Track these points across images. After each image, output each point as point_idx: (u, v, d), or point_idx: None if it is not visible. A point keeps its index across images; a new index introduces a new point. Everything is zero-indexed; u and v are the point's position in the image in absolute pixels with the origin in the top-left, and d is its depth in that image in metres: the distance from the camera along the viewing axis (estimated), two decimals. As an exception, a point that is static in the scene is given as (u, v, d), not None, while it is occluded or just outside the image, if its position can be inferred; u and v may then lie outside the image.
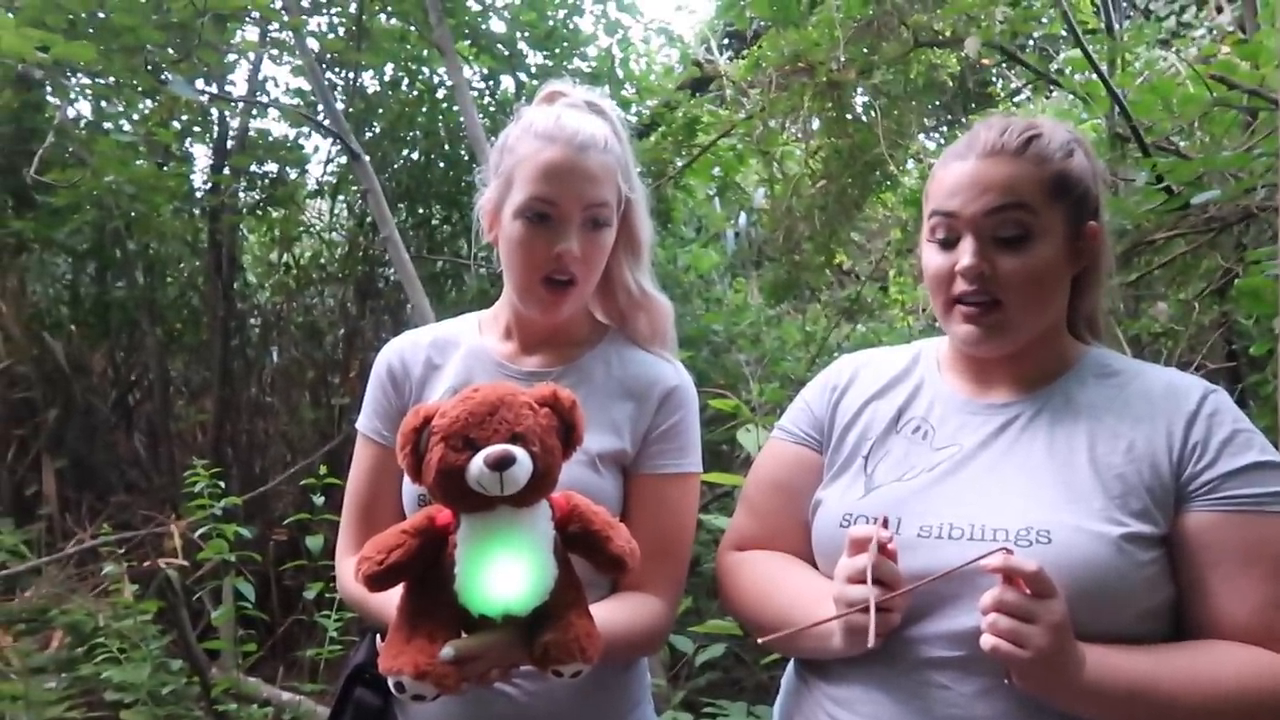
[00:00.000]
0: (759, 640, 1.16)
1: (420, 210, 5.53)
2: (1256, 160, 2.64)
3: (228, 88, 4.78)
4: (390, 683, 1.06)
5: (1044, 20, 4.35)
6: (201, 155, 5.47)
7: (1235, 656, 1.06)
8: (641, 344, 1.44)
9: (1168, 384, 1.19)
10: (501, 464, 1.04)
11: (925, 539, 1.13)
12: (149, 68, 3.76)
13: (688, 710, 2.83)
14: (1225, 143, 3.02)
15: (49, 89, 4.16)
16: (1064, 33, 4.39)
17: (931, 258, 1.22)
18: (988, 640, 1.00)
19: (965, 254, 1.17)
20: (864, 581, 1.07)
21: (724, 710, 2.74)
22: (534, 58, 5.24)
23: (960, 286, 1.18)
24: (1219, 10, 4.85)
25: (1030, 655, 0.99)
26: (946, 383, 1.29)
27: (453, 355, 1.45)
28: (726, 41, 6.36)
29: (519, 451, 1.06)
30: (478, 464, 1.05)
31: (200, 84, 4.03)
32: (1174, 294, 3.33)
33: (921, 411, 1.27)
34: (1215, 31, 4.67)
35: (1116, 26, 4.09)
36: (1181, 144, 3.28)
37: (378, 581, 1.09)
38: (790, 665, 1.34)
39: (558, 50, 5.16)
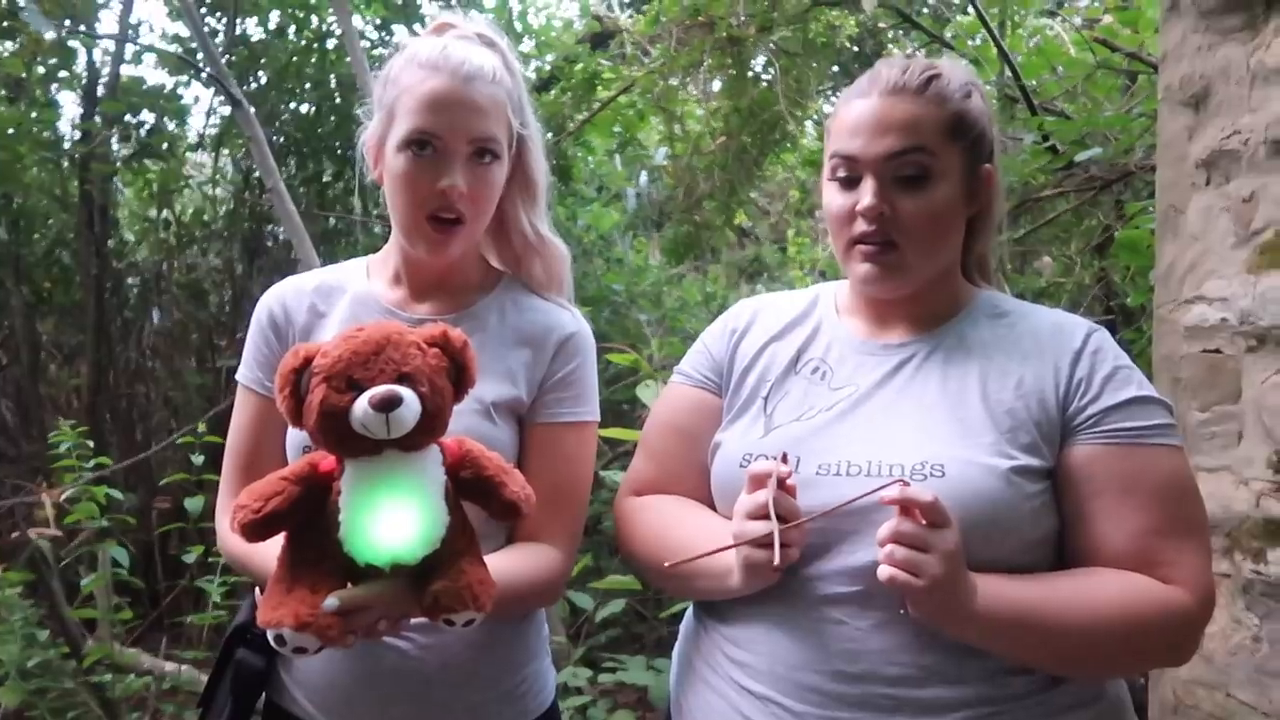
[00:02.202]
0: (665, 565, 1.14)
1: (310, 165, 5.31)
2: (1135, 121, 2.75)
3: (97, 29, 4.48)
4: (270, 636, 1.00)
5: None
6: (69, 103, 5.13)
7: (1115, 582, 1.09)
8: (537, 290, 1.40)
9: (1054, 323, 1.22)
10: (387, 405, 0.99)
11: (824, 476, 1.14)
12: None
13: (588, 666, 2.83)
14: (1107, 105, 3.14)
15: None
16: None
17: (832, 198, 1.22)
18: (884, 570, 1.01)
19: (865, 194, 1.17)
20: (763, 517, 1.06)
21: (624, 665, 2.76)
22: (429, 7, 5.08)
23: (860, 227, 1.19)
24: (1102, -20, 5.02)
25: (925, 584, 0.99)
26: (844, 324, 1.29)
27: (339, 301, 1.38)
28: (628, -1, 6.28)
29: (406, 392, 1.01)
30: (362, 405, 0.99)
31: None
32: (1057, 251, 3.46)
33: (820, 352, 1.27)
34: (1099, 1, 4.84)
35: (1007, -8, 4.18)
36: (1067, 107, 3.39)
37: (254, 531, 1.03)
38: (689, 610, 1.34)
39: (453, 1, 5.00)
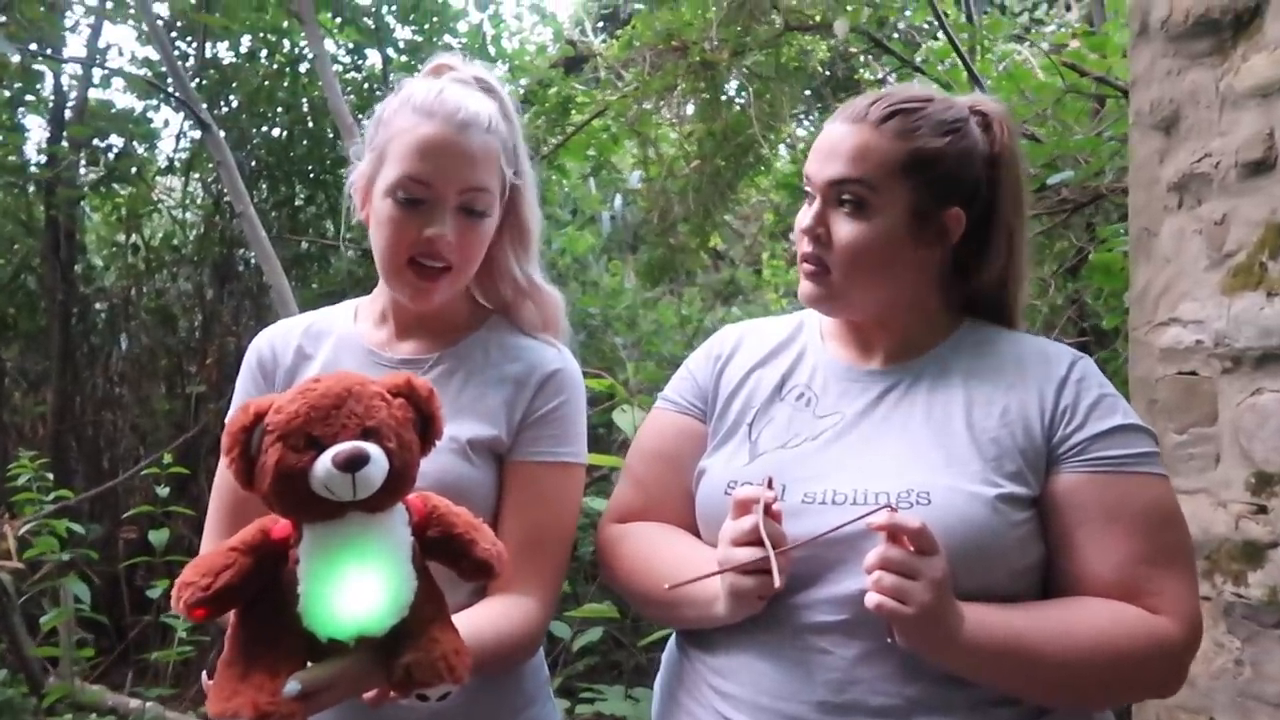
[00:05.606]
0: (665, 586, 1.10)
1: (282, 189, 5.28)
2: (1105, 144, 2.78)
3: (64, 53, 4.43)
4: None
5: (907, 11, 4.49)
6: (36, 127, 5.07)
7: (1099, 611, 1.08)
8: (528, 331, 1.35)
9: (1039, 351, 1.21)
10: (353, 464, 0.91)
11: (810, 505, 1.12)
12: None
13: (566, 696, 2.78)
14: (1076, 128, 3.17)
15: None
16: (928, 24, 4.54)
17: (799, 213, 1.24)
18: (872, 598, 0.99)
19: (806, 213, 1.20)
20: (749, 544, 1.04)
21: (602, 695, 2.71)
22: (401, 32, 5.07)
23: (804, 245, 1.21)
24: (1068, 8, 5.12)
25: (913, 611, 0.98)
26: (828, 351, 1.28)
27: (324, 344, 1.34)
28: (601, 24, 6.31)
29: (372, 449, 0.93)
30: (324, 465, 0.91)
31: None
32: (1030, 273, 3.48)
33: (805, 379, 1.26)
34: (1065, 27, 4.93)
35: (976, 19, 4.26)
36: (1037, 130, 3.43)
37: (204, 610, 0.94)
38: (671, 640, 1.31)
39: (426, 25, 5.00)
